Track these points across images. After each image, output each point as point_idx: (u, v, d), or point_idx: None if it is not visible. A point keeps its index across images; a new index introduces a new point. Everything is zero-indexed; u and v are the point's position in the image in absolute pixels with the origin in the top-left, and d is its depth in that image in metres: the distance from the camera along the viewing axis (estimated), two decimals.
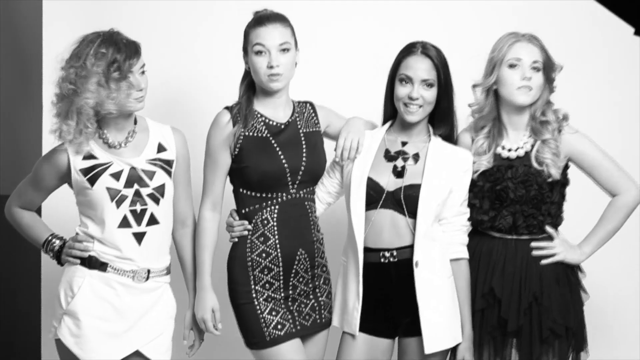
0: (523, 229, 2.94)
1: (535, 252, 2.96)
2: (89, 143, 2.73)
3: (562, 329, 2.91)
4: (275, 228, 2.83)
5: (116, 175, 2.73)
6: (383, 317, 2.90)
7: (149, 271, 2.77)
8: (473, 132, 3.02)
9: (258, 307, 2.82)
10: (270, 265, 2.82)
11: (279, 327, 2.82)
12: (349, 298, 2.91)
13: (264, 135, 2.84)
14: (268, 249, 2.82)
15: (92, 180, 2.72)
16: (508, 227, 2.94)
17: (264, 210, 2.83)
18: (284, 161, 2.83)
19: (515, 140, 2.98)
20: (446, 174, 2.90)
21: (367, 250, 2.88)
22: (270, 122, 2.86)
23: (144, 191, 2.76)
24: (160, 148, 2.84)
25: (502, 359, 2.95)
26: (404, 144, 2.95)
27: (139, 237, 2.75)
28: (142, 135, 2.83)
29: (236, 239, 2.86)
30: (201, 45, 3.85)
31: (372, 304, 2.89)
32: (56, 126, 2.72)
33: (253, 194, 2.85)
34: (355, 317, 2.88)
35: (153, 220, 2.78)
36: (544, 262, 2.95)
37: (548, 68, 2.94)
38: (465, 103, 3.03)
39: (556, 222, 3.00)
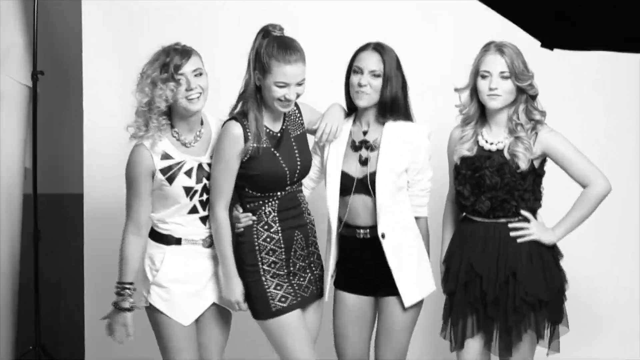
0: (499, 212, 3.28)
1: (512, 233, 3.28)
2: (161, 138, 3.11)
3: (535, 300, 3.23)
4: (277, 218, 3.24)
5: (188, 173, 3.16)
6: (361, 280, 3.36)
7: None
8: (462, 127, 3.37)
9: (265, 283, 3.23)
10: (274, 247, 3.24)
11: (283, 299, 3.23)
12: (327, 266, 3.39)
13: (268, 146, 3.20)
14: (272, 235, 3.24)
15: (170, 180, 3.14)
16: (486, 210, 3.28)
17: (267, 205, 3.24)
18: (285, 167, 3.22)
19: (496, 135, 3.32)
20: (400, 151, 3.29)
21: (347, 226, 3.35)
22: (271, 133, 3.23)
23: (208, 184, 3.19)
24: None
25: (486, 332, 3.29)
26: (365, 133, 3.34)
27: (204, 219, 3.23)
28: (206, 131, 3.23)
29: (242, 229, 3.24)
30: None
31: (352, 269, 3.36)
32: (131, 124, 3.13)
33: (258, 193, 3.23)
34: (328, 282, 3.37)
35: None
36: (519, 240, 3.28)
37: (518, 74, 3.22)
38: (455, 102, 3.36)
39: (533, 207, 3.31)
